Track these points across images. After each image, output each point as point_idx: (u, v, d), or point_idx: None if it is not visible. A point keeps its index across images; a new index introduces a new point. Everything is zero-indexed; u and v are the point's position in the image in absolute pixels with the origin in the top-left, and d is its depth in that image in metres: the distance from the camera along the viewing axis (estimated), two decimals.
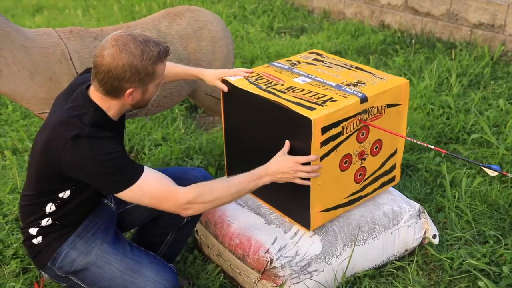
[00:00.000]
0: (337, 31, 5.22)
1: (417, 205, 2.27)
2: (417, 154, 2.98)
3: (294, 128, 1.85)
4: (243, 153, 2.15)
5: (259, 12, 6.14)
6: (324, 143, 1.84)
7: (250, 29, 5.54)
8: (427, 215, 2.28)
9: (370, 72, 2.14)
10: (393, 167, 2.21)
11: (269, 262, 1.95)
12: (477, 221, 2.47)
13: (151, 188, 1.63)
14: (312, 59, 2.29)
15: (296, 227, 2.05)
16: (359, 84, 2.02)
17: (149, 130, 3.62)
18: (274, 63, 2.24)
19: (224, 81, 2.07)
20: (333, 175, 1.95)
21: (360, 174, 2.07)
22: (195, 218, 2.05)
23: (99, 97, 1.66)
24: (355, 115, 1.91)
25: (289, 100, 1.87)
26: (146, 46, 1.60)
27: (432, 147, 1.80)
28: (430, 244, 2.32)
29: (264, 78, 2.08)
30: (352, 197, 2.10)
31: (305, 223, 2.01)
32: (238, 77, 2.08)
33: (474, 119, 3.18)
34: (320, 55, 2.35)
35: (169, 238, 2.05)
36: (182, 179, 1.96)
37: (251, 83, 2.03)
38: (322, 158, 1.87)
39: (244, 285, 2.12)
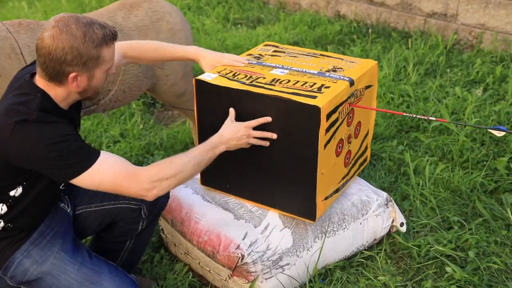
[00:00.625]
0: (294, 22, 5.20)
1: (385, 194, 2.27)
2: (380, 143, 3.00)
3: (297, 119, 1.80)
4: (225, 159, 1.98)
5: (214, 3, 6.05)
6: (327, 129, 1.84)
7: (206, 21, 5.46)
8: (394, 204, 2.29)
9: (338, 58, 2.16)
10: (366, 148, 2.28)
11: (240, 258, 1.90)
12: (441, 208, 2.51)
13: (111, 171, 1.53)
14: (273, 51, 2.25)
15: (266, 221, 2.01)
16: (337, 69, 2.02)
17: (106, 127, 3.50)
18: None
19: (199, 82, 1.95)
20: (331, 161, 1.95)
21: (347, 157, 2.10)
22: (152, 223, 1.96)
23: (44, 83, 1.56)
24: (347, 99, 1.93)
25: (284, 92, 1.82)
26: (90, 28, 1.50)
27: (434, 118, 1.87)
28: (398, 232, 2.33)
29: (240, 73, 1.98)
30: (342, 182, 2.12)
31: (309, 214, 1.95)
32: (213, 76, 1.96)
33: (433, 107, 3.23)
34: (277, 46, 2.32)
35: (127, 245, 1.95)
36: None
37: (231, 79, 1.93)
38: (325, 146, 1.85)
39: (215, 283, 2.07)
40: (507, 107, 3.10)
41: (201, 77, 1.95)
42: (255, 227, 1.99)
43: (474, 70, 3.74)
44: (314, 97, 1.80)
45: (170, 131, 3.32)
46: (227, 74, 1.98)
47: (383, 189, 2.63)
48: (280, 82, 1.91)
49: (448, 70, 3.85)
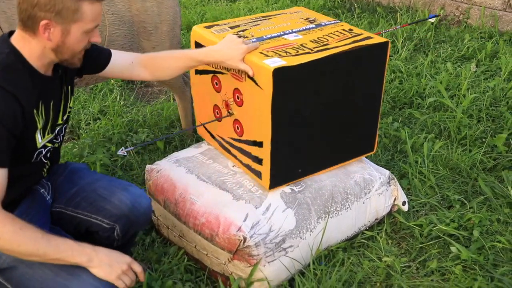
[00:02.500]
0: None
1: (387, 172, 2.18)
2: None
3: (366, 62, 1.89)
4: (296, 148, 1.89)
5: None
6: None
7: None
8: (397, 182, 2.21)
9: (287, 13, 2.24)
10: None
11: (242, 241, 1.78)
12: (440, 186, 2.44)
13: None
14: (257, 20, 2.13)
15: (267, 201, 1.89)
16: (311, 20, 2.14)
17: (84, 103, 3.31)
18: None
19: (277, 70, 1.69)
20: None
21: None
22: (129, 242, 1.83)
23: (20, 36, 1.43)
24: None
25: (342, 45, 1.85)
26: None
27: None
28: (398, 211, 2.25)
29: (277, 51, 1.81)
30: None
31: (371, 147, 2.14)
32: (278, 60, 1.73)
33: (426, 83, 3.15)
34: (225, 24, 2.18)
35: None
36: (105, 201, 1.69)
37: (294, 56, 1.77)
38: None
39: (212, 267, 1.95)
40: (501, 83, 3.04)
41: (272, 65, 1.70)
42: (256, 208, 1.87)
43: (465, 46, 3.68)
44: (369, 37, 1.92)
45: (154, 108, 3.15)
46: (273, 55, 1.78)
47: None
48: (318, 42, 1.89)
49: (437, 46, 3.77)
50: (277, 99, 1.73)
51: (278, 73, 1.69)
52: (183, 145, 2.74)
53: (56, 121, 1.61)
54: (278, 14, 2.19)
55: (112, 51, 1.77)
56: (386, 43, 1.90)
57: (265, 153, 1.85)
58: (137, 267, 1.49)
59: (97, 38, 1.51)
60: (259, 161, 1.89)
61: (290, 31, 2.00)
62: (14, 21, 1.98)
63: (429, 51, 3.73)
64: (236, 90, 1.87)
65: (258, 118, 1.82)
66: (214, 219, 1.87)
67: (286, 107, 1.77)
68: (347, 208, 2.03)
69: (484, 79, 3.20)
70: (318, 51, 1.82)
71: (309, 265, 1.94)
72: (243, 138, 1.93)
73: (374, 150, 2.13)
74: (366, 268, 2.01)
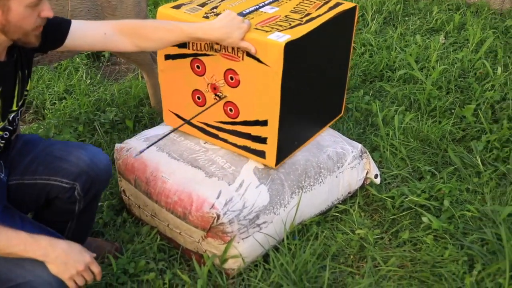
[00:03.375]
0: None
1: (359, 146, 2.18)
2: (346, 94, 2.90)
3: (341, 26, 1.96)
4: (299, 114, 1.92)
5: None
6: None
7: None
8: (369, 155, 2.21)
9: None
10: None
11: (216, 218, 1.76)
12: (411, 158, 2.46)
13: None
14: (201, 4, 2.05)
15: (240, 178, 1.87)
16: None
17: (48, 82, 3.21)
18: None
19: (288, 45, 1.65)
20: None
21: None
22: (92, 203, 1.76)
23: None
24: None
25: (323, 13, 1.88)
26: None
27: None
28: (371, 184, 2.26)
29: (270, 25, 1.77)
30: None
31: (339, 108, 2.23)
32: (282, 35, 1.69)
33: (396, 56, 3.15)
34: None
35: (70, 225, 1.76)
36: (62, 161, 1.64)
37: (288, 28, 1.74)
38: None
39: (186, 246, 1.93)
40: (469, 54, 3.07)
41: (279, 40, 1.66)
42: (229, 185, 1.85)
43: (433, 18, 3.69)
44: (338, 3, 1.97)
45: (122, 86, 3.08)
46: (271, 30, 1.74)
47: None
48: (295, 12, 1.90)
49: (406, 19, 3.78)
50: (286, 74, 1.70)
51: (288, 47, 1.65)
52: (153, 124, 2.69)
53: (9, 108, 1.52)
54: None
55: (80, 22, 1.64)
56: (355, 7, 1.99)
57: (270, 131, 1.82)
58: (96, 268, 1.44)
59: (47, 12, 1.40)
60: (261, 140, 1.85)
61: (262, 4, 1.96)
62: None
63: (398, 23, 3.74)
64: (230, 71, 1.80)
65: (261, 97, 1.77)
66: (187, 197, 1.84)
67: (291, 81, 1.75)
68: (320, 182, 2.02)
69: (452, 51, 3.22)
70: (307, 21, 1.81)
71: (283, 240, 1.94)
72: (238, 119, 1.87)
73: (342, 113, 2.25)
74: (340, 241, 2.03)
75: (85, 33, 1.64)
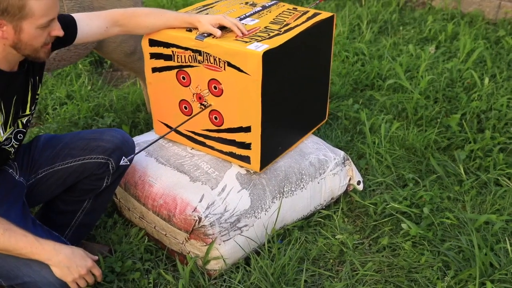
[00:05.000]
0: None
1: (342, 153, 2.26)
2: (336, 102, 2.98)
3: (320, 37, 2.06)
4: (281, 120, 2.01)
5: None
6: None
7: None
8: (351, 162, 2.29)
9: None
10: None
11: (197, 221, 1.85)
12: (396, 166, 2.52)
13: None
14: (202, 9, 2.16)
15: (223, 183, 1.96)
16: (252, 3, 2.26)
17: (51, 88, 3.32)
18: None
19: (266, 53, 1.76)
20: None
21: None
22: (115, 182, 1.89)
23: None
24: None
25: (301, 23, 1.99)
26: None
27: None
28: (355, 190, 2.34)
29: (250, 36, 1.88)
30: None
31: (324, 114, 2.33)
32: (260, 45, 1.79)
33: (388, 65, 3.22)
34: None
35: (85, 205, 1.88)
36: (97, 140, 1.79)
37: (267, 38, 1.85)
38: None
39: (171, 247, 2.02)
40: (458, 64, 3.13)
41: (257, 49, 1.76)
42: (212, 189, 1.93)
43: (427, 28, 3.75)
44: (316, 13, 2.08)
45: (120, 92, 3.18)
46: (251, 41, 1.83)
47: (340, 149, 2.62)
48: (274, 23, 2.00)
49: (401, 28, 3.84)
50: (265, 82, 1.80)
51: (266, 56, 1.76)
52: (148, 129, 2.78)
53: (22, 112, 1.64)
54: (216, 2, 2.23)
55: (83, 20, 1.77)
56: (332, 17, 2.09)
57: (254, 137, 1.91)
58: (97, 271, 1.58)
59: (57, 32, 1.52)
60: (246, 146, 1.94)
61: (244, 16, 2.05)
62: None
63: (393, 33, 3.80)
64: (213, 80, 1.90)
65: (243, 104, 1.86)
66: (171, 200, 1.93)
67: (272, 88, 1.86)
68: (302, 188, 2.10)
69: (443, 61, 3.28)
70: (285, 31, 1.91)
71: (265, 243, 2.02)
72: (223, 127, 1.97)
73: (326, 118, 2.35)
74: (320, 245, 2.10)
75: (89, 31, 1.79)
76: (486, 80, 2.93)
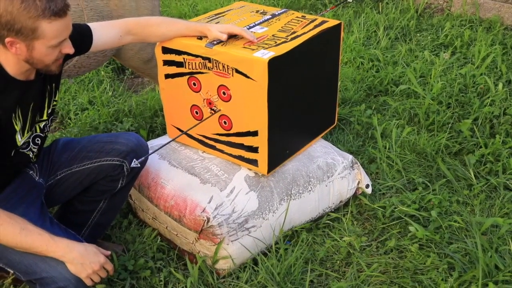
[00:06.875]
0: None
1: (350, 157, 2.30)
2: (349, 107, 3.02)
3: (327, 44, 2.12)
4: (288, 124, 2.07)
5: None
6: None
7: None
8: (360, 166, 2.32)
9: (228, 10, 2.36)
10: None
11: (206, 221, 1.92)
12: (406, 170, 2.55)
13: None
14: (213, 18, 2.24)
15: (231, 185, 2.02)
16: (262, 12, 2.33)
17: (74, 94, 3.45)
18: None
19: (272, 61, 1.82)
20: None
21: None
22: (130, 183, 1.97)
23: None
24: None
25: (309, 31, 2.04)
26: None
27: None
28: (364, 194, 2.37)
29: (258, 44, 1.95)
30: None
31: (333, 119, 2.37)
32: (266, 52, 1.86)
33: (401, 71, 3.25)
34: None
35: (101, 205, 1.96)
36: (113, 143, 1.88)
37: (274, 46, 1.91)
38: None
39: (182, 247, 2.09)
40: (473, 70, 3.14)
41: (263, 57, 1.83)
42: (220, 191, 2.00)
43: (443, 34, 3.76)
44: (324, 21, 2.13)
45: (139, 98, 3.28)
46: (258, 48, 1.90)
47: (351, 153, 2.66)
48: (282, 31, 2.07)
49: (418, 35, 3.86)
50: (271, 88, 1.87)
51: (272, 63, 1.83)
52: (165, 133, 2.86)
53: (40, 118, 1.73)
54: (227, 11, 2.31)
55: (98, 29, 1.86)
56: (339, 24, 2.15)
57: (261, 141, 1.98)
58: (109, 266, 1.65)
59: (68, 50, 1.59)
60: (254, 149, 2.01)
61: (253, 24, 2.12)
62: None
63: (410, 39, 3.83)
64: (222, 86, 1.97)
65: (251, 109, 1.93)
66: (182, 201, 2.01)
67: (278, 94, 1.92)
68: (310, 190, 2.15)
69: (458, 66, 3.29)
70: (292, 39, 1.97)
71: (272, 244, 2.07)
72: (232, 131, 2.04)
73: (335, 123, 2.39)
74: (328, 246, 2.14)
75: (104, 40, 1.89)
76: (500, 86, 2.93)
